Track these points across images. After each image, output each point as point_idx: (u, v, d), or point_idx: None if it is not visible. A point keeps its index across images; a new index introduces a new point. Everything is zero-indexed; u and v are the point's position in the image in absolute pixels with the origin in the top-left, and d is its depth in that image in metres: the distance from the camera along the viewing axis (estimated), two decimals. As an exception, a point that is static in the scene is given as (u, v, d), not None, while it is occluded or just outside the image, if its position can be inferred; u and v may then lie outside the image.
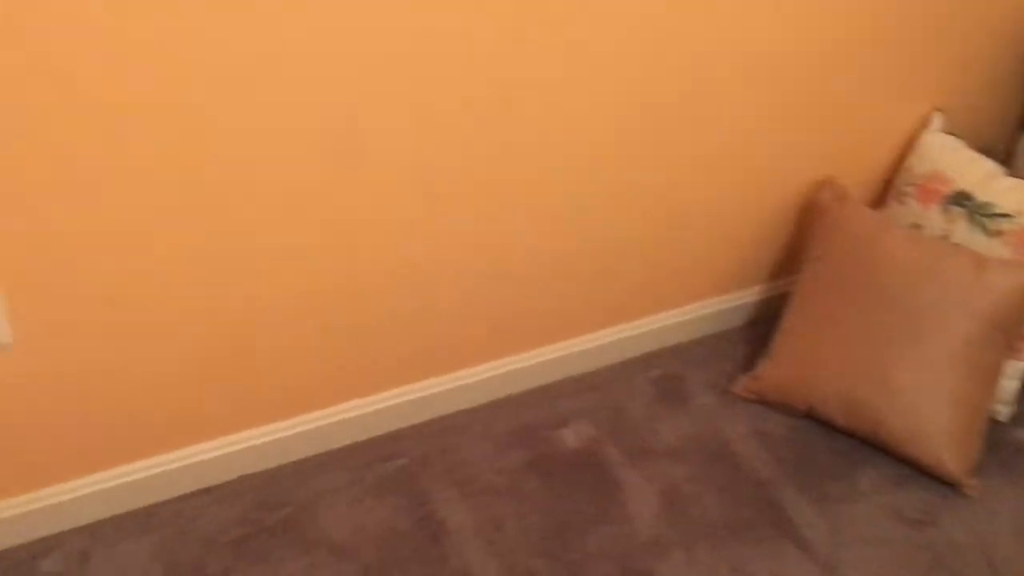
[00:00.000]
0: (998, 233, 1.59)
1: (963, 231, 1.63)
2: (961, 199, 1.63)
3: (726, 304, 1.86)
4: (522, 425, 1.63)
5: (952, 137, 1.71)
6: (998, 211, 1.59)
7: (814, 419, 1.67)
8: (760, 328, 1.87)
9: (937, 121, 1.74)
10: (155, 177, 1.16)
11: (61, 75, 1.04)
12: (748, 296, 1.88)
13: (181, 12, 1.06)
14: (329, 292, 1.38)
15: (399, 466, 1.53)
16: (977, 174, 1.64)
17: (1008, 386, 1.62)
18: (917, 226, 1.69)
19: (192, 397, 1.38)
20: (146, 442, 1.39)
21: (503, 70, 1.30)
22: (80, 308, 1.21)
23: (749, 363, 1.79)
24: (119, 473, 1.39)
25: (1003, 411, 1.66)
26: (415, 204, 1.37)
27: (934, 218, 1.67)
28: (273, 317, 1.36)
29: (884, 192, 1.84)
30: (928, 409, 1.52)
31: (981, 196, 1.62)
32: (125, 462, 1.39)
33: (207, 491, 1.47)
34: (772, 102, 1.60)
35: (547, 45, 1.31)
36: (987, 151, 1.77)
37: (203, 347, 1.34)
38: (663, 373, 1.77)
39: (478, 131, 1.34)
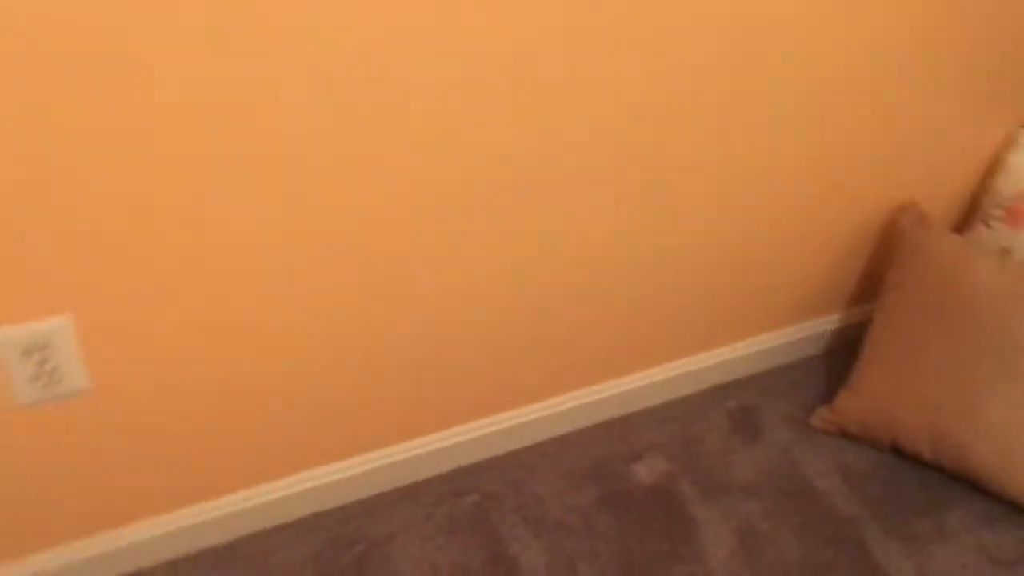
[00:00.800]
0: (1092, 258, 1.52)
1: (1054, 256, 1.56)
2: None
3: (803, 332, 1.81)
4: (594, 460, 1.61)
5: (1041, 156, 1.65)
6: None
7: (899, 453, 1.61)
8: (839, 357, 1.82)
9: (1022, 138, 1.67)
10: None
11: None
12: (826, 324, 1.83)
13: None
14: (399, 328, 1.39)
15: (470, 503, 1.53)
16: (1068, 196, 1.57)
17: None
18: (1006, 251, 1.62)
19: (266, 437, 1.40)
20: (221, 480, 1.41)
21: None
22: (157, 348, 1.24)
23: (828, 394, 1.74)
24: (198, 510, 1.41)
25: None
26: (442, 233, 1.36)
27: (1019, 242, 1.60)
28: (334, 362, 1.37)
29: (969, 216, 1.78)
30: (1021, 443, 1.45)
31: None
32: (203, 500, 1.42)
33: (282, 528, 1.48)
34: (847, 124, 1.55)
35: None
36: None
37: (274, 391, 1.35)
38: (738, 405, 1.73)
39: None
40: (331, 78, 1.11)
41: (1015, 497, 1.48)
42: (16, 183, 1.03)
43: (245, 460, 1.41)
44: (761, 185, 1.55)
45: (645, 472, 1.58)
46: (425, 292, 1.37)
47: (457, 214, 1.31)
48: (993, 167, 1.72)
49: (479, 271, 1.39)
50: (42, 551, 1.34)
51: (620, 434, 1.66)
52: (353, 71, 1.12)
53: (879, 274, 1.77)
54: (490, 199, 1.32)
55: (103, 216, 1.09)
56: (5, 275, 1.08)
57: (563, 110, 1.29)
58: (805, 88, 1.47)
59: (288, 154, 1.15)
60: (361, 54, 1.11)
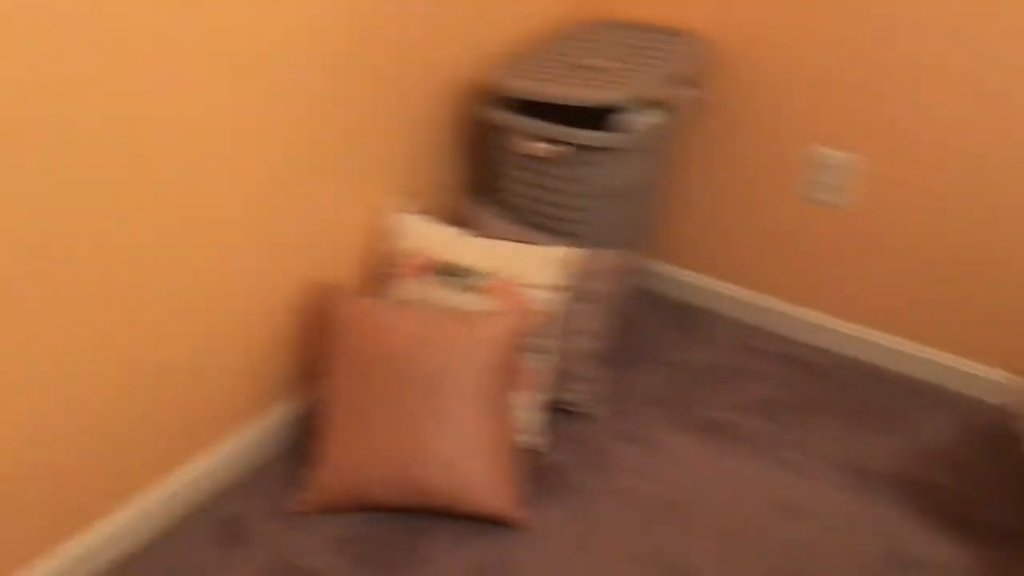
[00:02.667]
0: (478, 290, 1.76)
1: (451, 295, 1.78)
2: (442, 269, 1.79)
3: (260, 429, 1.71)
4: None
5: (418, 215, 1.88)
6: (472, 271, 1.77)
7: (379, 509, 1.70)
8: (311, 441, 1.86)
9: (399, 204, 1.90)
10: None
11: None
12: (282, 414, 1.76)
13: None
14: None
15: None
16: (447, 242, 1.81)
17: (529, 417, 1.78)
18: (413, 302, 1.81)
19: None
20: None
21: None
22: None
23: (309, 478, 1.77)
24: None
25: (540, 442, 1.82)
26: None
27: (424, 290, 1.80)
28: None
29: (375, 279, 1.94)
30: (463, 463, 1.63)
31: (457, 260, 1.78)
32: None
33: None
34: (233, 214, 1.57)
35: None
36: (452, 219, 1.96)
37: None
38: (224, 516, 1.65)
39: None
40: None
41: (473, 510, 1.65)
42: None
43: None
44: (148, 291, 1.46)
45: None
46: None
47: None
48: (382, 233, 1.91)
49: None
50: None
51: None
52: None
53: (323, 353, 1.86)
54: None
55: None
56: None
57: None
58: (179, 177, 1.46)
59: None
60: None
